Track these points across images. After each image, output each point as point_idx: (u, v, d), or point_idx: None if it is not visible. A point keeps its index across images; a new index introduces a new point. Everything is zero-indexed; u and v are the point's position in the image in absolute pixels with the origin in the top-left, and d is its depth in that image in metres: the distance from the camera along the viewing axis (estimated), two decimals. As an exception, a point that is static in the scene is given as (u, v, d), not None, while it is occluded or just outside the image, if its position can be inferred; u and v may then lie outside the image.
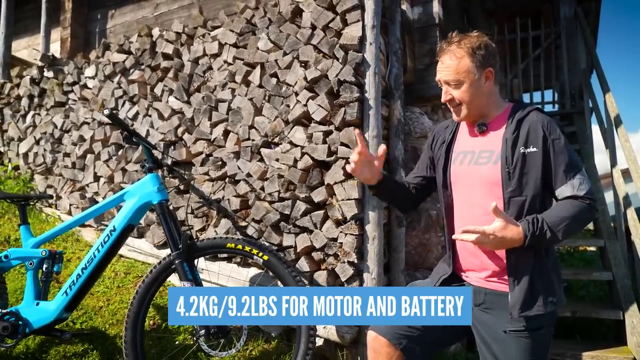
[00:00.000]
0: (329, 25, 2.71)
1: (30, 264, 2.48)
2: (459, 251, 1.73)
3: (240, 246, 2.37)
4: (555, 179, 1.58)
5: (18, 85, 4.23)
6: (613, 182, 3.67)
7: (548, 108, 5.77)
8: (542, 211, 1.59)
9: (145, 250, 3.22)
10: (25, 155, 4.06)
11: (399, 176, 2.87)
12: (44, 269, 2.49)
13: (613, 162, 3.75)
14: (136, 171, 3.34)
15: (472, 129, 1.76)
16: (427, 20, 3.33)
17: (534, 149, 1.58)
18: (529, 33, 5.49)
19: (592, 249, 5.88)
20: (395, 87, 2.96)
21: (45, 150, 3.91)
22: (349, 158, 2.53)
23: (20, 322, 2.40)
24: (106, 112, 2.17)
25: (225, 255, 2.88)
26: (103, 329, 2.77)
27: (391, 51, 2.99)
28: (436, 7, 3.30)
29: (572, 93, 5.20)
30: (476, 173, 1.67)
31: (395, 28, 3.01)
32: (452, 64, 1.63)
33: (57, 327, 2.54)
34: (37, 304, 2.45)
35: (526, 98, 7.31)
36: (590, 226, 4.70)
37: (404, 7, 3.25)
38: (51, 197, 3.47)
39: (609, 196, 3.91)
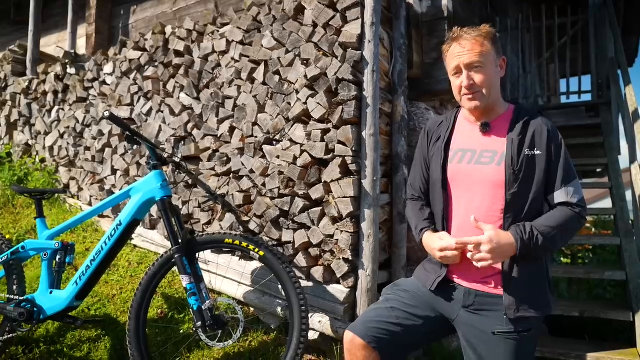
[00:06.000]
0: (330, 23, 2.71)
1: (45, 255, 2.63)
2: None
3: (237, 242, 2.44)
4: (552, 183, 1.59)
5: (44, 82, 4.43)
6: (631, 178, 3.54)
7: (574, 98, 5.55)
8: (539, 214, 1.60)
9: (156, 242, 3.35)
10: (51, 148, 4.26)
11: (401, 173, 2.88)
12: (57, 259, 2.65)
13: (632, 158, 3.61)
14: (149, 165, 3.46)
15: (472, 127, 1.72)
16: (435, 13, 3.28)
17: (539, 152, 1.59)
18: (555, 20, 5.27)
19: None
20: (399, 83, 2.94)
21: (68, 143, 4.10)
22: (345, 156, 2.58)
23: (36, 309, 2.56)
24: (107, 114, 2.26)
25: (229, 249, 2.97)
26: (115, 316, 2.92)
27: (395, 47, 2.97)
28: (445, 0, 3.25)
29: (599, 83, 5.00)
30: (478, 173, 1.64)
31: (400, 23, 2.99)
32: (476, 46, 1.61)
33: (71, 313, 2.70)
34: (51, 292, 2.60)
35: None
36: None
37: (411, 0, 3.21)
38: (65, 191, 3.66)
39: (627, 193, 3.78)
